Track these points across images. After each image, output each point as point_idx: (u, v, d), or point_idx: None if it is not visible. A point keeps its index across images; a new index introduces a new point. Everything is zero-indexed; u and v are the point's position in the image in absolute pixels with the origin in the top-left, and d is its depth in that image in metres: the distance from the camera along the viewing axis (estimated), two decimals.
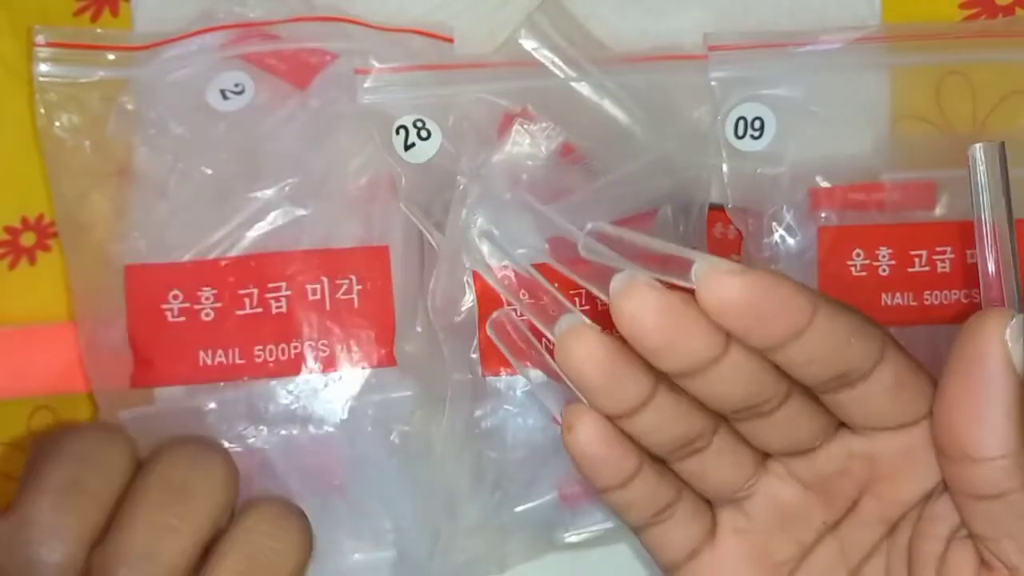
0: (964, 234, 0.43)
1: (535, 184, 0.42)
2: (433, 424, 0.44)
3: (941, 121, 0.45)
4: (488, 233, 0.42)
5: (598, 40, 0.45)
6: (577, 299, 0.42)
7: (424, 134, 0.43)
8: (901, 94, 0.45)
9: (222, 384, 0.43)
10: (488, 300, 0.42)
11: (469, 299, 0.42)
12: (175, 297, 0.42)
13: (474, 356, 0.42)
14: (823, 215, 0.44)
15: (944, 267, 0.43)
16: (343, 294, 0.43)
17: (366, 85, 0.43)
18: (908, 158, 0.44)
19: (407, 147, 0.43)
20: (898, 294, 0.43)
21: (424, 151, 0.43)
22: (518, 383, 0.43)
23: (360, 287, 0.43)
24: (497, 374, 0.43)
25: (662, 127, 0.43)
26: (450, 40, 0.46)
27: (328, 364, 0.43)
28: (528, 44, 0.43)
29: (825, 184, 0.44)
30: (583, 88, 0.43)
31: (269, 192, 0.43)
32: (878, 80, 0.45)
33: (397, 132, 0.43)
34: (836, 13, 0.46)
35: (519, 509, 0.44)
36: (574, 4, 0.45)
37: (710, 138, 0.44)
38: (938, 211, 0.44)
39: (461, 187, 0.42)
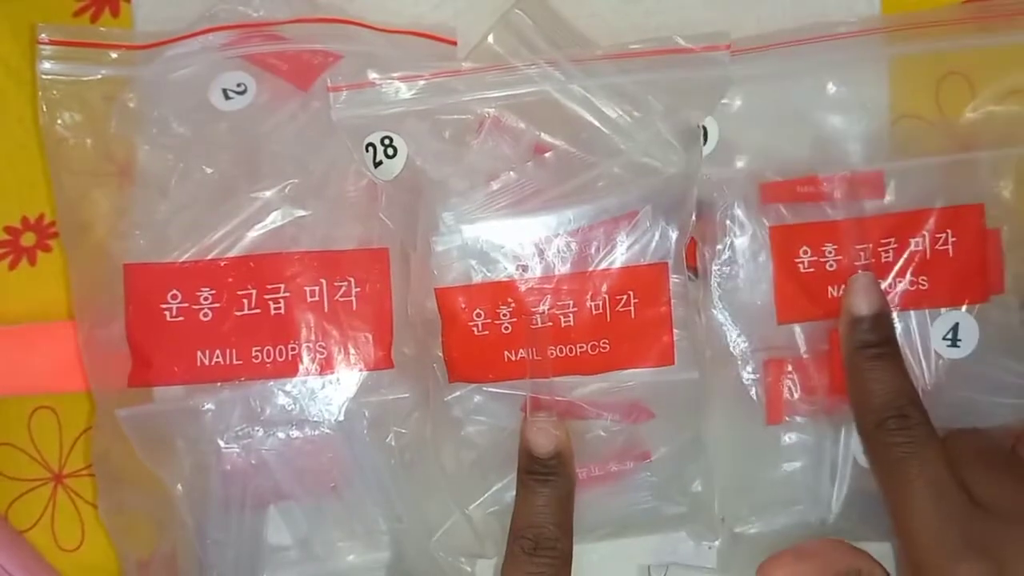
0: (909, 223, 0.43)
1: (506, 188, 0.42)
2: (429, 424, 0.44)
3: (937, 117, 0.46)
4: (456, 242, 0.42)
5: (582, 35, 0.45)
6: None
7: (391, 152, 0.42)
8: (898, 90, 0.46)
9: (219, 384, 0.42)
10: (449, 314, 0.42)
11: (434, 304, 0.42)
12: (174, 297, 0.42)
13: (439, 353, 0.42)
14: (772, 214, 0.44)
15: (888, 257, 0.43)
16: (342, 296, 0.43)
17: (339, 103, 0.42)
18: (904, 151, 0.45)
19: (376, 164, 0.43)
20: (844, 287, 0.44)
21: (391, 168, 0.43)
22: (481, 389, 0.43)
23: (359, 289, 0.43)
24: (460, 379, 0.43)
25: (647, 125, 0.42)
26: (453, 42, 0.46)
27: (325, 366, 0.43)
28: (503, 45, 0.43)
29: (775, 178, 0.44)
30: (561, 89, 0.42)
31: (269, 192, 0.43)
32: (879, 72, 0.46)
33: (367, 150, 0.43)
34: (837, 11, 0.47)
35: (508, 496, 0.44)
36: (576, 4, 0.45)
37: (699, 134, 0.43)
38: (887, 199, 0.44)
39: (427, 198, 0.42)
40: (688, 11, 0.47)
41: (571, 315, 0.42)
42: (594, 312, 0.42)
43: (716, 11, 0.47)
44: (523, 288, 0.42)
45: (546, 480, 0.41)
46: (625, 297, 0.42)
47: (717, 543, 0.47)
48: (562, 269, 0.42)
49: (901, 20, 0.45)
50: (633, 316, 0.42)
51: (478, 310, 0.41)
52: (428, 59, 0.44)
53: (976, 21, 0.44)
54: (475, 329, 0.42)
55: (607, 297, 0.42)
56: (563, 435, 0.42)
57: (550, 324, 0.42)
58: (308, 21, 0.45)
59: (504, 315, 0.42)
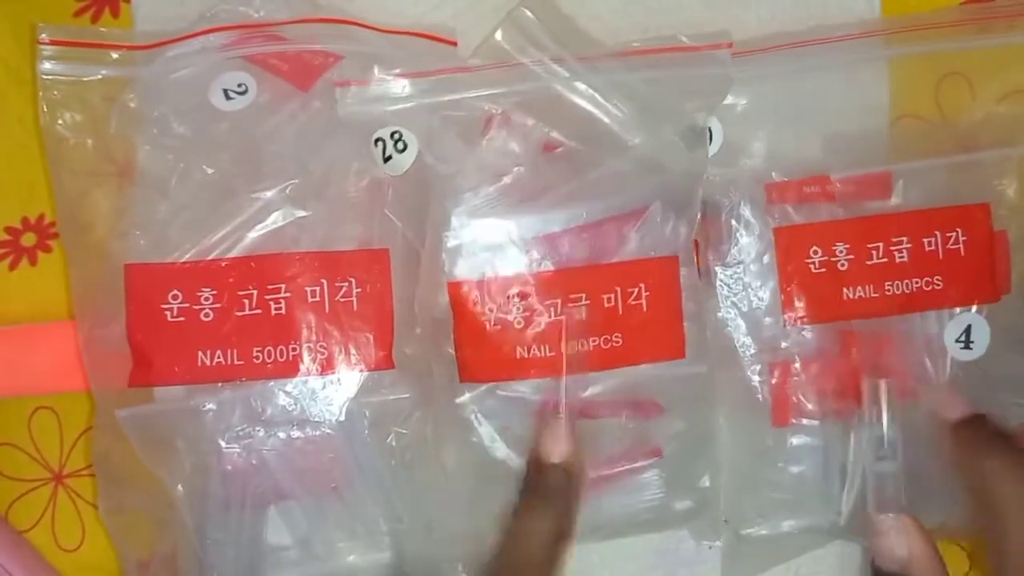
0: (919, 222, 0.43)
1: (516, 184, 0.42)
2: (430, 425, 0.44)
3: (937, 117, 0.46)
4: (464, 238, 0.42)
5: (586, 34, 0.45)
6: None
7: (400, 146, 0.42)
8: (898, 91, 0.46)
9: (220, 384, 0.42)
10: (461, 308, 0.42)
11: (445, 299, 0.42)
12: (175, 297, 0.42)
13: (450, 351, 0.42)
14: (777, 214, 0.44)
15: (902, 257, 0.43)
16: (342, 296, 0.43)
17: (347, 98, 0.42)
18: (903, 151, 0.45)
19: (385, 159, 0.43)
20: (859, 287, 0.43)
21: (401, 163, 0.43)
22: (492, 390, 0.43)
23: (359, 290, 0.43)
24: (473, 378, 0.43)
25: (653, 123, 0.42)
26: (453, 43, 0.46)
27: (326, 366, 0.43)
28: (510, 43, 0.43)
29: (780, 178, 0.44)
30: (568, 87, 0.42)
31: (270, 193, 0.43)
32: (879, 73, 0.46)
33: (376, 144, 0.43)
34: (837, 12, 0.47)
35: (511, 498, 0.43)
36: (577, 4, 0.45)
37: (704, 132, 0.44)
38: (893, 200, 0.44)
39: (437, 193, 0.42)
40: (688, 12, 0.47)
41: (583, 309, 0.42)
42: (606, 305, 0.42)
43: (716, 11, 0.47)
44: (535, 283, 0.41)
45: (551, 486, 0.41)
46: (636, 290, 0.42)
47: (718, 543, 0.47)
48: (573, 264, 0.41)
49: (901, 22, 0.45)
50: (645, 309, 0.42)
51: (490, 305, 0.41)
52: (428, 60, 0.44)
53: (975, 22, 0.45)
54: (487, 324, 0.41)
55: (619, 291, 0.42)
56: (573, 442, 0.41)
57: (562, 318, 0.42)
58: (309, 21, 0.45)
59: (516, 310, 0.41)
